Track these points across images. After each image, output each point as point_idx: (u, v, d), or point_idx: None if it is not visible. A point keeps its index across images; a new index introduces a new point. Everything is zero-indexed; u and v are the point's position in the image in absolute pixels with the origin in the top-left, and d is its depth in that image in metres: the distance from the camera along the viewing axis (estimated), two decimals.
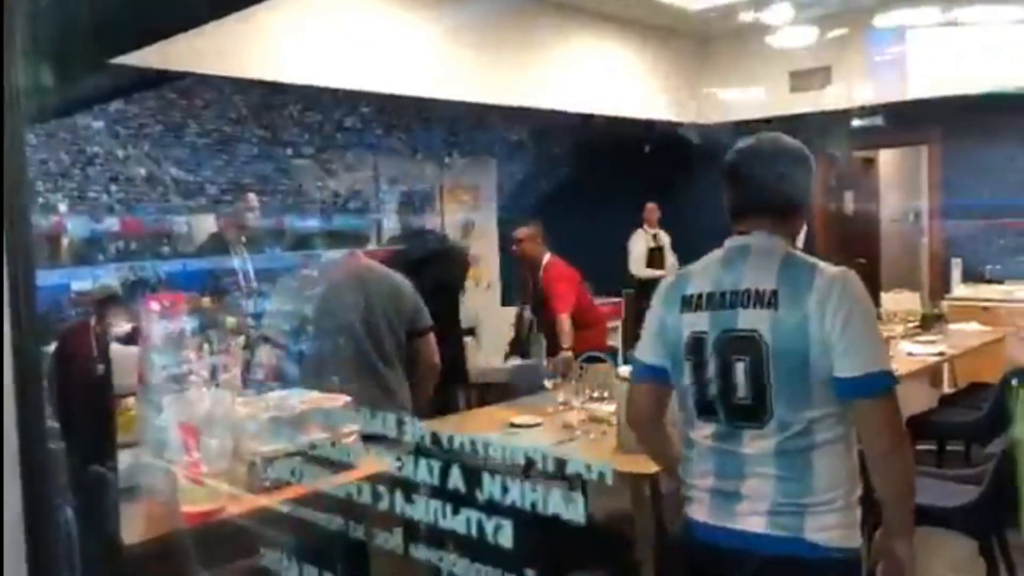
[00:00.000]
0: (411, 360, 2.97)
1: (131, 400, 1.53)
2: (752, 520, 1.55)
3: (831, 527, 1.52)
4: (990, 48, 5.94)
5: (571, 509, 0.80)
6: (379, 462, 1.41)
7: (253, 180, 5.59)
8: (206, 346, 1.50)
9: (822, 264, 1.59)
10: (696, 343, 1.61)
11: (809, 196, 1.74)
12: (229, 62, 4.69)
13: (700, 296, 1.63)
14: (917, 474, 1.90)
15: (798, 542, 1.52)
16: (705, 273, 1.66)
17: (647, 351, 1.73)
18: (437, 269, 4.07)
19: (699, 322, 1.62)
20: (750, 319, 1.55)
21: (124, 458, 1.49)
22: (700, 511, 1.64)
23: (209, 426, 1.31)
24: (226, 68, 4.73)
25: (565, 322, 4.55)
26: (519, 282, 5.01)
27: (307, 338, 2.64)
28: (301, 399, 1.57)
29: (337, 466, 1.43)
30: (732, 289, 1.59)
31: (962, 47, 6.02)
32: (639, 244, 7.14)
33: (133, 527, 1.35)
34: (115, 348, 1.79)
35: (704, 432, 1.63)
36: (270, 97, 5.53)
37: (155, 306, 1.40)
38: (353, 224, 4.12)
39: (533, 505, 0.80)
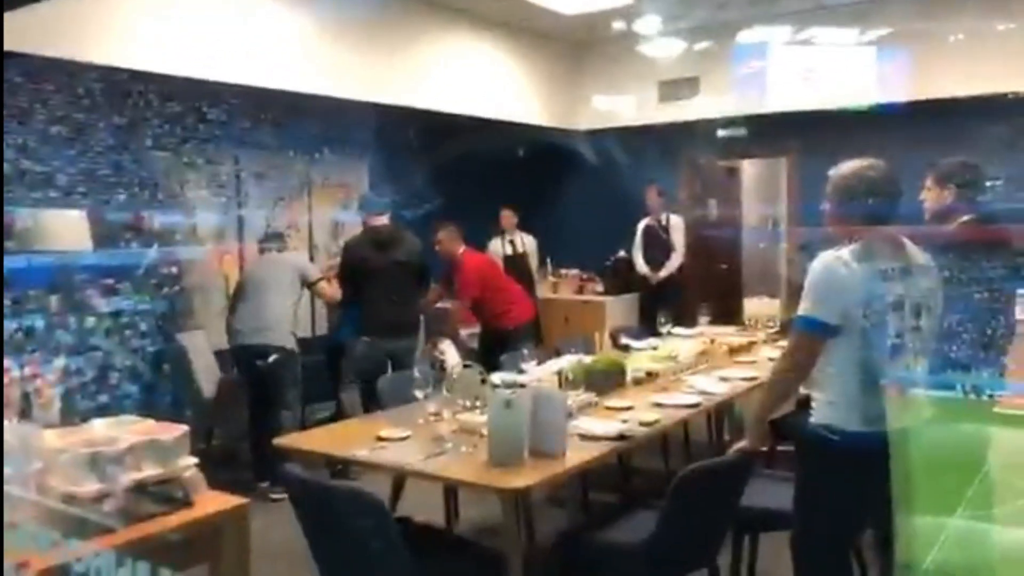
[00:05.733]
0: None
1: None
2: None
3: None
4: (840, 66, 6.30)
5: None
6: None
7: (110, 171, 5.17)
8: (15, 369, 1.30)
9: None
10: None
11: None
12: (80, 46, 4.32)
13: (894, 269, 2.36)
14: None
15: None
16: (878, 254, 2.37)
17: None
18: None
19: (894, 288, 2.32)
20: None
21: None
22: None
23: (9, 466, 1.13)
24: (78, 52, 4.35)
25: (457, 309, 5.41)
26: (443, 275, 5.48)
27: None
28: (129, 429, 1.38)
29: (171, 504, 1.28)
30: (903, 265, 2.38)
31: (816, 65, 6.36)
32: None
33: None
34: None
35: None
36: (129, 84, 5.12)
37: None
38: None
39: None
